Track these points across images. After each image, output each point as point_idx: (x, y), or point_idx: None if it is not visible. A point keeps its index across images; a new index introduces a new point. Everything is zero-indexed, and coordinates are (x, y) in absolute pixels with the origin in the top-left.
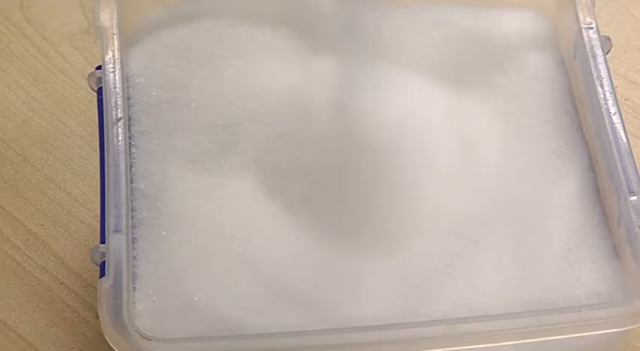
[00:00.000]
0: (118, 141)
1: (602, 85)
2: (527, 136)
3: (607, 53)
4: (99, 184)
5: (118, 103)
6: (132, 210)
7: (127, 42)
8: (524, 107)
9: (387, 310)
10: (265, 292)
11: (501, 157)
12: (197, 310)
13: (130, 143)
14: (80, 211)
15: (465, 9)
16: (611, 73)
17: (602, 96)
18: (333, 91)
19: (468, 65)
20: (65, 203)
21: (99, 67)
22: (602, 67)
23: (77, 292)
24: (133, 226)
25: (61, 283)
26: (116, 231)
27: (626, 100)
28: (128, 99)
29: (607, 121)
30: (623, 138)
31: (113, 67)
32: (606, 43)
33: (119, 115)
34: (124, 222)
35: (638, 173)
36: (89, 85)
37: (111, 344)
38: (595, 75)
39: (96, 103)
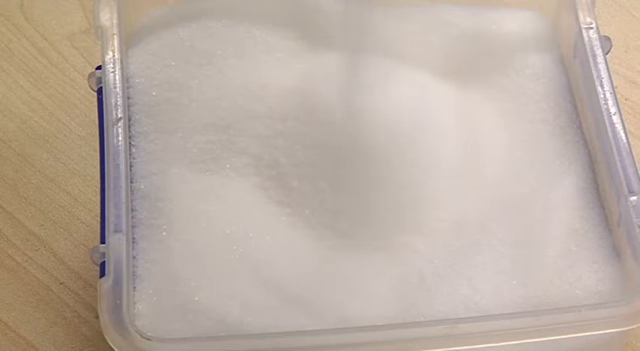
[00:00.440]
0: (118, 141)
1: (602, 85)
2: (527, 136)
3: (607, 53)
4: (99, 184)
5: (118, 103)
6: (132, 210)
7: (127, 42)
8: (524, 107)
9: (387, 310)
10: (265, 292)
11: (501, 156)
12: (197, 310)
13: (130, 143)
14: (80, 211)
15: (464, 9)
16: (611, 73)
17: (602, 96)
18: (334, 90)
19: (468, 65)
20: (65, 203)
21: (99, 67)
22: (602, 67)
23: (77, 292)
24: (133, 226)
25: (61, 283)
26: (116, 231)
27: (626, 100)
28: (128, 99)
29: (607, 121)
30: (623, 138)
31: (113, 67)
32: (606, 43)
33: (119, 115)
34: (124, 222)
35: (638, 173)
36: (89, 85)
37: (111, 344)
38: (595, 75)
39: (96, 103)
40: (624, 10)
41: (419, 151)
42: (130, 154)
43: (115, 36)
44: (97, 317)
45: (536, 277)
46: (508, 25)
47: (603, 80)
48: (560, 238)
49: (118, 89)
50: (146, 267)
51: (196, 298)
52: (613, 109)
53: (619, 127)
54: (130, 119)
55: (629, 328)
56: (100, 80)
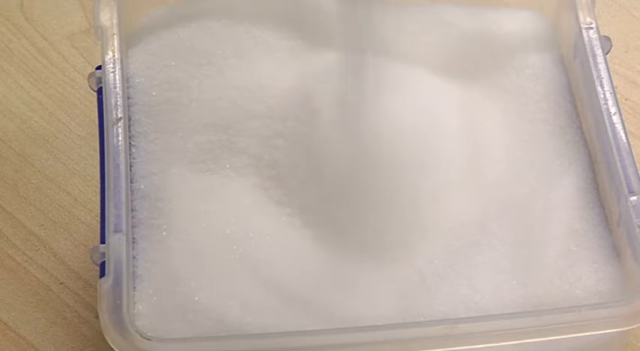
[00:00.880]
0: (118, 141)
1: (602, 85)
2: (527, 136)
3: (607, 53)
4: (99, 184)
5: (118, 103)
6: (132, 210)
7: (127, 42)
8: (524, 107)
9: (387, 309)
10: (265, 292)
11: (501, 156)
12: (197, 310)
13: (130, 143)
14: (80, 211)
15: (464, 9)
16: (611, 73)
17: (602, 96)
18: (334, 90)
19: (468, 65)
20: (65, 203)
21: (99, 67)
22: (602, 67)
23: (77, 292)
24: (133, 226)
25: (61, 283)
26: (116, 231)
27: (626, 100)
28: (128, 99)
29: (607, 121)
30: (623, 138)
31: (113, 67)
32: (606, 43)
33: (119, 115)
34: (124, 222)
35: (638, 173)
36: (89, 85)
37: (111, 344)
38: (595, 75)
39: (96, 103)
40: (624, 10)
41: (420, 151)
42: (130, 154)
43: (115, 36)
44: (97, 317)
45: (536, 277)
46: (508, 25)
47: (603, 80)
48: (560, 238)
49: (118, 89)
50: (146, 267)
51: (196, 298)
52: (613, 109)
53: (619, 127)
54: (130, 119)
55: (629, 328)
56: (100, 80)
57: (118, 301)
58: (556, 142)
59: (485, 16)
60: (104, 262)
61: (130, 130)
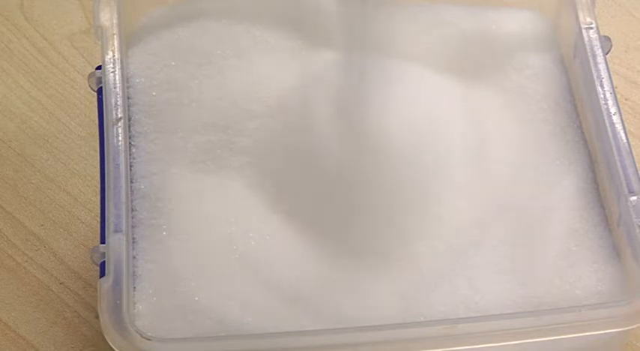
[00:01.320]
0: (118, 141)
1: (602, 85)
2: (527, 136)
3: (607, 53)
4: (99, 184)
5: (118, 103)
6: (132, 210)
7: (127, 42)
8: (523, 107)
9: (387, 310)
10: (265, 292)
11: (501, 157)
12: (197, 310)
13: (130, 143)
14: (80, 211)
15: (464, 9)
16: (611, 73)
17: (602, 96)
18: (335, 90)
19: (468, 65)
20: (65, 203)
21: (99, 67)
22: (602, 67)
23: (77, 292)
24: (133, 226)
25: (61, 283)
26: (116, 231)
27: (626, 100)
28: (128, 99)
29: (607, 121)
30: (623, 138)
31: (113, 67)
32: (606, 43)
33: (119, 115)
34: (124, 222)
35: (638, 173)
36: (89, 85)
37: (111, 344)
38: (595, 75)
39: (96, 103)
40: (624, 10)
41: (422, 151)
42: (130, 154)
43: (115, 36)
44: (97, 317)
45: (536, 277)
46: (508, 25)
47: (603, 80)
48: (560, 238)
49: (118, 89)
50: (146, 267)
51: (196, 298)
52: (613, 109)
53: (619, 127)
54: (130, 119)
55: (629, 328)
56: (100, 80)
57: (118, 301)
58: (556, 142)
59: (485, 16)
60: (104, 262)
61: (130, 130)
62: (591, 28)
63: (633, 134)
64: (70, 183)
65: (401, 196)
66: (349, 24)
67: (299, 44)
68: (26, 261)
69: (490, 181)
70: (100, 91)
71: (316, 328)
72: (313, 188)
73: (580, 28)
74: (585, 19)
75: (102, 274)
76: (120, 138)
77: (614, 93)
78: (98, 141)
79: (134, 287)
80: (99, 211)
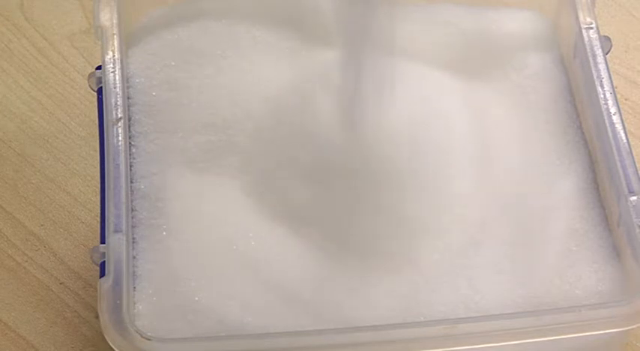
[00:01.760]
0: (118, 141)
1: (602, 85)
2: (527, 136)
3: (607, 53)
4: (99, 184)
5: (118, 103)
6: (132, 210)
7: (127, 42)
8: (524, 107)
9: (387, 310)
10: (265, 292)
11: (501, 156)
12: (197, 310)
13: (130, 143)
14: (80, 211)
15: (464, 9)
16: (611, 73)
17: (602, 96)
18: (335, 90)
19: (468, 65)
20: (65, 203)
21: (99, 67)
22: (602, 67)
23: (77, 292)
24: (133, 226)
25: (61, 283)
26: (116, 231)
27: (626, 100)
28: (128, 99)
29: (607, 121)
30: (623, 138)
31: (113, 67)
32: (606, 43)
33: (119, 115)
34: (124, 222)
35: (638, 173)
36: (89, 85)
37: (111, 344)
38: (595, 75)
39: (96, 103)
40: (624, 10)
41: (424, 152)
42: (130, 154)
43: (115, 36)
44: (97, 317)
45: (536, 277)
46: (508, 25)
47: (603, 80)
48: (560, 238)
49: (118, 89)
50: (146, 267)
51: (196, 298)
52: (613, 109)
53: (619, 127)
54: (130, 119)
55: (629, 328)
56: (100, 80)
57: (118, 301)
58: (556, 142)
59: (485, 16)
60: (104, 262)
61: (130, 130)
62: (591, 28)
63: (633, 134)
64: (70, 183)
65: (402, 197)
66: (349, 24)
67: (299, 44)
68: (26, 261)
69: (490, 181)
70: (100, 91)
71: (316, 328)
72: (314, 188)
73: (580, 28)
74: (585, 19)
75: (102, 274)
76: (120, 138)
77: (614, 93)
78: (98, 141)
79: (134, 287)
80: (99, 211)
